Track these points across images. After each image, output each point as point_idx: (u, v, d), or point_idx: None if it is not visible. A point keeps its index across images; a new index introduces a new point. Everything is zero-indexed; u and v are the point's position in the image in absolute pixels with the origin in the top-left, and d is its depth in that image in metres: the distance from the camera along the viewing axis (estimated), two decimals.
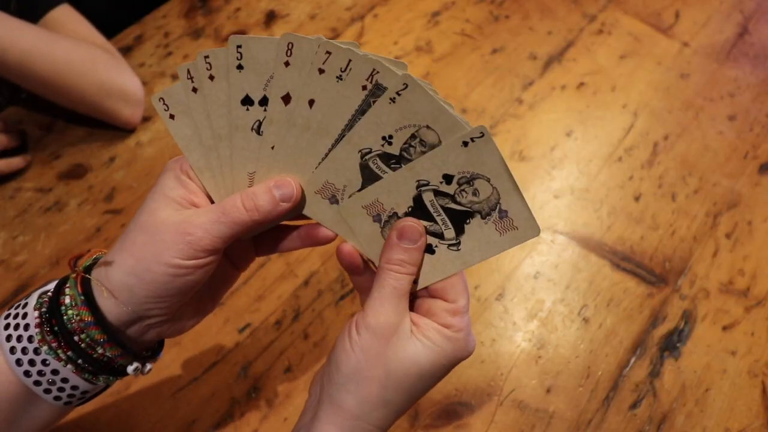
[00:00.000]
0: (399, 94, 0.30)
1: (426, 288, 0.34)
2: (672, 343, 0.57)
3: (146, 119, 0.71)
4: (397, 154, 0.32)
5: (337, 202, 0.34)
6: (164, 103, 0.33)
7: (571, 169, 0.69)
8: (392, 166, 0.32)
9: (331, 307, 0.58)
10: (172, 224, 0.32)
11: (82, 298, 0.32)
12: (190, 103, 0.33)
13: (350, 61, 0.30)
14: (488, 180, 0.31)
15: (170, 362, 0.54)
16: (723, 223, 0.65)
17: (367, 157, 0.32)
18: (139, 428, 0.51)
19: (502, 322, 0.58)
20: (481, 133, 0.30)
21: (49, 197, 0.66)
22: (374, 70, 0.30)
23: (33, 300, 0.33)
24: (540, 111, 0.74)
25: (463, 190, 0.32)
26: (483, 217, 0.32)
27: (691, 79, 0.77)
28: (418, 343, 0.32)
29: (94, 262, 0.34)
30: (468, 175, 0.31)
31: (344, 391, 0.32)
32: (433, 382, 0.33)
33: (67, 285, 0.33)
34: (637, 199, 0.67)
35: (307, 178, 0.34)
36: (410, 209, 0.33)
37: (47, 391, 0.33)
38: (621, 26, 0.82)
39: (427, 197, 0.32)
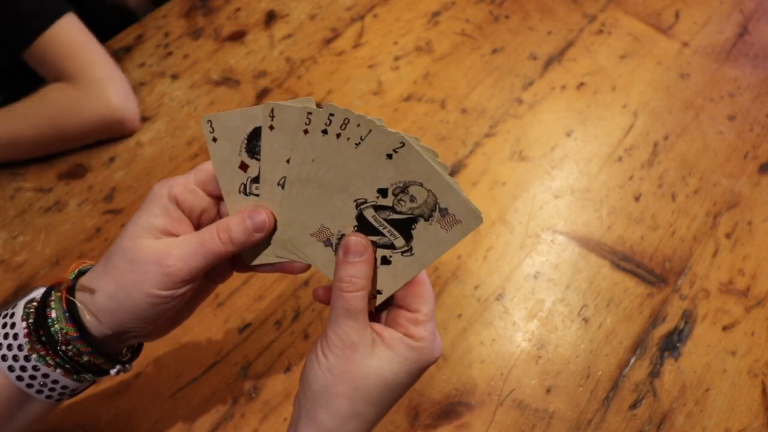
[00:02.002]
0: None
1: (392, 297, 0.35)
2: (672, 343, 0.57)
3: (146, 119, 0.71)
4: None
5: (331, 245, 0.35)
6: (211, 126, 0.34)
7: (571, 169, 0.69)
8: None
9: None
10: (152, 254, 0.33)
11: (67, 314, 0.33)
12: (265, 140, 0.34)
13: (371, 131, 0.32)
14: (421, 184, 0.32)
15: (170, 362, 0.54)
16: (723, 223, 0.65)
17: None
18: (139, 428, 0.51)
19: (502, 322, 0.58)
20: (401, 143, 0.31)
21: (49, 197, 0.66)
22: (370, 131, 0.31)
23: (20, 310, 0.34)
24: (540, 111, 0.74)
25: (401, 199, 0.33)
26: (426, 220, 0.33)
27: (691, 79, 0.77)
28: (381, 355, 0.33)
29: (80, 274, 0.36)
30: (401, 185, 0.32)
31: (317, 407, 0.33)
32: (402, 390, 0.34)
33: (52, 298, 0.34)
34: (637, 199, 0.67)
35: (304, 221, 0.35)
36: (356, 228, 0.34)
37: (39, 391, 0.35)
38: (621, 26, 0.82)
39: (369, 214, 0.34)
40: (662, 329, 0.58)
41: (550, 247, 0.63)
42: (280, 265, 0.38)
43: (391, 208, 0.33)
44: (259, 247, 0.37)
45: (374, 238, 0.34)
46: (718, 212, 0.66)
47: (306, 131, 0.32)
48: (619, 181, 0.68)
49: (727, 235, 0.64)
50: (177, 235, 0.35)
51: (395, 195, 0.33)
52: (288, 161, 0.34)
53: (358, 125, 0.31)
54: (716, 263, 0.62)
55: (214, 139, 0.35)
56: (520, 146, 0.70)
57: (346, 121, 0.31)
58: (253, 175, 0.35)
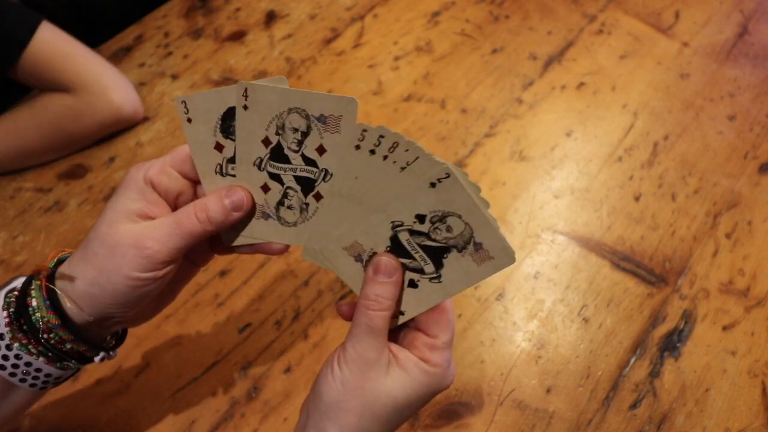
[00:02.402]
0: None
1: (413, 319, 0.36)
2: (672, 343, 0.57)
3: (146, 119, 0.71)
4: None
5: (361, 261, 0.36)
6: (185, 107, 0.34)
7: (571, 169, 0.69)
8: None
9: (331, 307, 0.58)
10: (131, 238, 0.33)
11: (48, 303, 0.34)
12: (238, 119, 0.34)
13: (418, 158, 0.32)
14: (460, 216, 0.32)
15: (170, 362, 0.54)
16: (723, 223, 0.65)
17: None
18: (139, 428, 0.51)
19: (502, 322, 0.58)
20: (447, 174, 0.31)
21: (49, 197, 0.66)
22: (417, 157, 0.32)
23: (0, 299, 0.34)
24: (540, 111, 0.74)
25: (437, 227, 0.33)
26: (459, 251, 0.33)
27: (691, 79, 0.77)
28: (395, 376, 0.33)
29: (59, 262, 0.36)
30: (440, 214, 0.32)
31: (326, 418, 0.33)
32: (410, 412, 0.35)
33: (33, 287, 0.34)
34: (637, 199, 0.67)
35: (338, 235, 0.36)
36: (388, 248, 0.35)
37: (23, 380, 0.35)
38: (621, 26, 0.82)
39: (403, 237, 0.34)
40: (662, 329, 0.58)
41: (550, 247, 0.63)
42: (259, 246, 0.38)
43: (426, 235, 0.33)
44: (238, 227, 0.37)
45: (405, 261, 0.34)
46: (718, 212, 0.66)
47: (358, 147, 0.33)
48: (619, 181, 0.68)
49: (727, 235, 0.64)
50: (154, 218, 0.35)
51: (432, 223, 0.33)
52: (265, 142, 0.34)
53: (407, 150, 0.32)
54: (716, 263, 0.62)
55: (189, 120, 0.34)
56: (520, 146, 0.70)
57: (395, 145, 0.32)
58: (229, 155, 0.35)
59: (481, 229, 0.32)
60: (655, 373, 0.56)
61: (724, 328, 0.58)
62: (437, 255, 0.33)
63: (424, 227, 0.33)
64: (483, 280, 0.33)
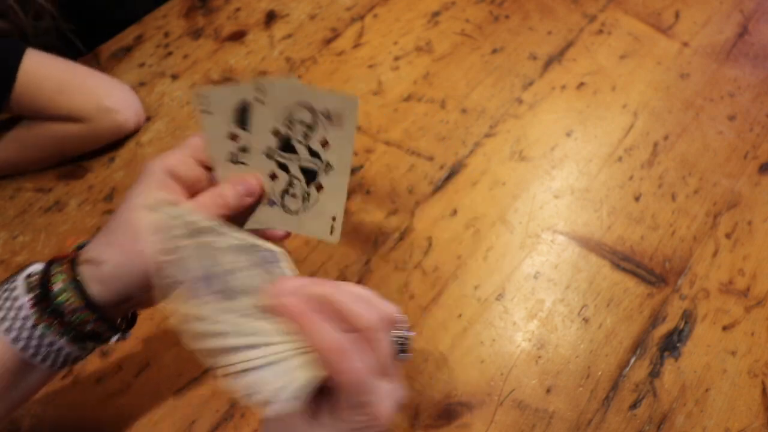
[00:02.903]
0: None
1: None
2: (672, 343, 0.57)
3: (146, 119, 0.71)
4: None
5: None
6: (203, 100, 0.38)
7: (571, 169, 0.69)
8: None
9: None
10: (155, 223, 0.34)
11: (72, 285, 0.35)
12: (252, 112, 0.38)
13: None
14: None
15: (170, 362, 0.54)
16: (723, 223, 0.65)
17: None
18: (139, 428, 0.51)
19: (502, 322, 0.58)
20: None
21: (49, 197, 0.66)
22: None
23: (21, 283, 0.36)
24: (540, 111, 0.74)
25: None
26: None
27: (691, 79, 0.77)
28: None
29: (78, 248, 0.38)
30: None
31: None
32: None
33: (55, 272, 0.36)
34: (637, 199, 0.67)
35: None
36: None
37: (44, 360, 0.36)
38: (621, 26, 0.82)
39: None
40: (662, 329, 0.58)
41: (550, 247, 0.63)
42: (262, 233, 0.40)
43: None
44: (247, 212, 0.40)
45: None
46: (718, 212, 0.66)
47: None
48: (619, 181, 0.68)
49: (727, 235, 0.64)
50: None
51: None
52: (275, 134, 0.38)
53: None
54: (716, 263, 0.62)
55: (208, 112, 0.38)
56: (520, 146, 0.70)
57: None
58: (241, 145, 0.39)
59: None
60: (655, 373, 0.56)
61: (724, 328, 0.58)
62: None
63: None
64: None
